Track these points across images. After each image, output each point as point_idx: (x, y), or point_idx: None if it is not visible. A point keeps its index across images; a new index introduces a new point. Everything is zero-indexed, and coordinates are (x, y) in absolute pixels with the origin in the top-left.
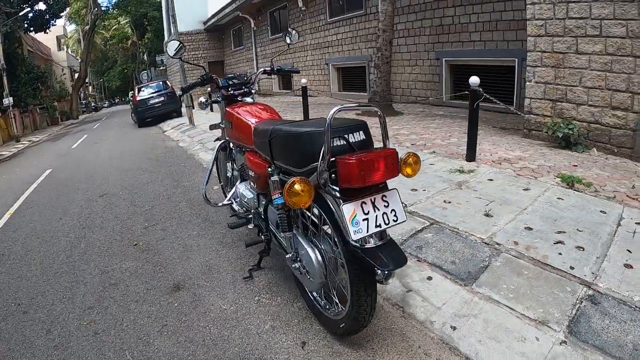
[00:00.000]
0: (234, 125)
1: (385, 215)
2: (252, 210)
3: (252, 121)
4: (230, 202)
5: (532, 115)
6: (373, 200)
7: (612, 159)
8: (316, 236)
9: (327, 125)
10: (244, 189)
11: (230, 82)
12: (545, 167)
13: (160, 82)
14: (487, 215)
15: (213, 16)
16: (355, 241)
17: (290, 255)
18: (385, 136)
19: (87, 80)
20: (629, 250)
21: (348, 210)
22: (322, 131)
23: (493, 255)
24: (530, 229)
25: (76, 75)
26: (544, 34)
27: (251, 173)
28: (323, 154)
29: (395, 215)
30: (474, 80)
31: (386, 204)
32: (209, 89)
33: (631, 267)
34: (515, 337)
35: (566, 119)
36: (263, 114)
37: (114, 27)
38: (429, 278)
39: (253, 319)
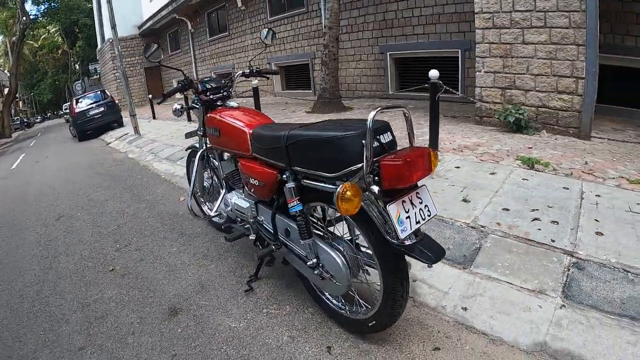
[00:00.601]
0: (222, 131)
1: (421, 212)
2: (249, 220)
3: (246, 127)
4: (218, 213)
5: (483, 103)
6: (410, 198)
7: (561, 138)
8: (335, 240)
9: (369, 129)
10: (237, 199)
11: (208, 87)
12: (504, 151)
13: (99, 92)
14: (464, 201)
15: (148, 20)
16: (400, 239)
17: (311, 262)
18: (412, 134)
19: (17, 95)
20: (596, 220)
21: (393, 210)
22: (357, 134)
23: (481, 237)
24: (507, 209)
25: (6, 90)
26: (491, 26)
27: (253, 181)
28: (366, 157)
29: (428, 210)
30: (434, 73)
31: (420, 200)
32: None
33: (602, 234)
34: (521, 308)
35: (516, 104)
36: (255, 119)
37: (43, 36)
38: (430, 266)
39: (268, 333)
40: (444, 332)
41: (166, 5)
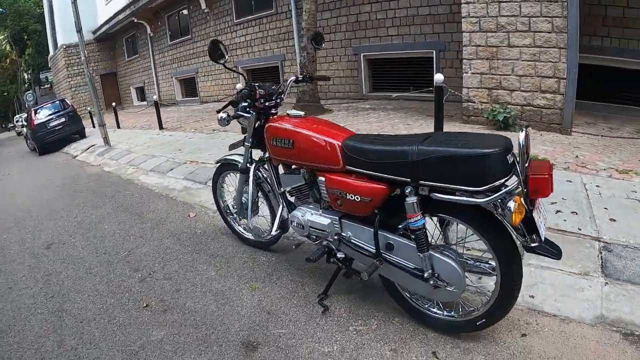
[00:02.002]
0: (297, 143)
1: (543, 216)
2: (329, 238)
3: (333, 139)
4: (278, 232)
5: (470, 103)
6: (538, 205)
7: (546, 134)
8: (445, 249)
9: (523, 146)
10: (312, 215)
11: (262, 93)
12: None
13: (58, 102)
14: None
15: (104, 24)
16: (541, 241)
17: (427, 273)
18: (529, 147)
19: None
20: (605, 208)
21: (536, 216)
22: (502, 151)
23: None
24: None
25: None
26: (478, 30)
27: (350, 196)
28: (520, 172)
29: (544, 213)
30: (439, 77)
31: (540, 206)
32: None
33: (614, 220)
34: (576, 289)
35: (502, 104)
36: (335, 130)
37: None
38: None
39: (368, 351)
40: (523, 319)
41: (124, 9)
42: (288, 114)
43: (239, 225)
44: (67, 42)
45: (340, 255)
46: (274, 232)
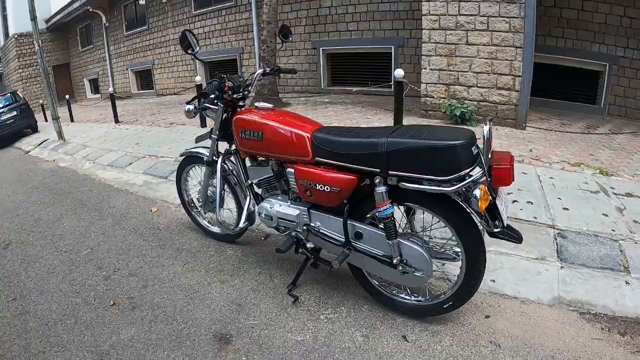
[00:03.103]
0: (266, 135)
1: (505, 204)
2: (298, 229)
3: (303, 131)
4: (246, 224)
5: (428, 98)
6: (500, 194)
7: (502, 129)
8: (412, 236)
9: (487, 139)
10: (280, 206)
11: (230, 85)
12: None
13: (9, 94)
14: None
15: (57, 13)
16: (504, 226)
17: (396, 259)
18: (491, 140)
19: None
20: (559, 198)
21: (500, 204)
22: (468, 143)
23: None
24: None
25: None
26: (438, 28)
27: (319, 187)
28: (485, 162)
29: (506, 201)
30: (399, 72)
31: (502, 195)
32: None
33: (567, 209)
34: (534, 273)
35: (459, 99)
36: (303, 122)
37: None
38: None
39: (341, 337)
40: (485, 302)
41: None
42: (256, 106)
43: (203, 218)
44: (20, 31)
45: (309, 245)
46: (241, 225)
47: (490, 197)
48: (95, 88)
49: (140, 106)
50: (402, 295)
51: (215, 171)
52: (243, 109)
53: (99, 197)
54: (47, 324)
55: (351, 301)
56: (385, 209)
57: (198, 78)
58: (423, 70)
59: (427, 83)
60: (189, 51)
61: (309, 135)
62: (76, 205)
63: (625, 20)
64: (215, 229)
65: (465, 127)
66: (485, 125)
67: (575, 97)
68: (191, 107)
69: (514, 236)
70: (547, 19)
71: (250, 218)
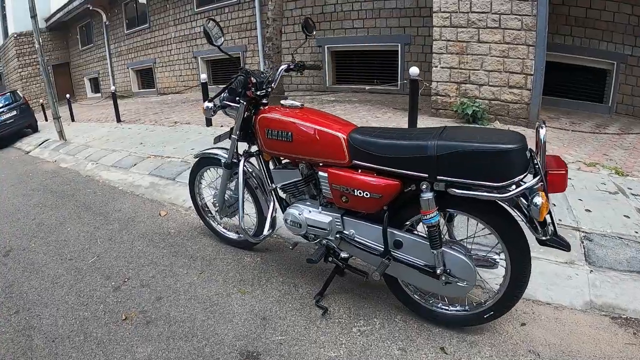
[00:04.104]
0: (296, 136)
1: (552, 210)
2: (329, 237)
3: (338, 132)
4: (270, 231)
5: (439, 97)
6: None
7: (513, 128)
8: (455, 244)
9: (543, 143)
10: (310, 213)
11: (254, 81)
12: None
13: (8, 94)
14: None
15: (57, 12)
16: (555, 234)
17: (440, 269)
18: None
19: None
20: (580, 199)
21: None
22: (522, 147)
23: None
24: None
25: None
26: (449, 25)
27: (357, 193)
28: (541, 168)
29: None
30: (414, 70)
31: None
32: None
33: (590, 210)
34: (564, 277)
35: (471, 98)
36: (337, 122)
37: None
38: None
39: (377, 351)
40: (520, 309)
41: None
42: (282, 104)
43: (218, 224)
44: (19, 30)
45: (344, 255)
46: (266, 232)
47: (549, 205)
48: (96, 87)
49: (142, 105)
50: (439, 305)
51: (236, 174)
52: (267, 107)
53: (104, 199)
54: (54, 340)
55: (383, 312)
56: (432, 217)
57: (204, 76)
58: (434, 68)
59: (437, 81)
60: (215, 43)
61: (345, 137)
62: (80, 208)
63: (633, 19)
64: (232, 235)
65: (512, 129)
66: (542, 128)
67: (583, 95)
68: (210, 104)
69: (562, 244)
70: (555, 17)
71: (273, 224)
